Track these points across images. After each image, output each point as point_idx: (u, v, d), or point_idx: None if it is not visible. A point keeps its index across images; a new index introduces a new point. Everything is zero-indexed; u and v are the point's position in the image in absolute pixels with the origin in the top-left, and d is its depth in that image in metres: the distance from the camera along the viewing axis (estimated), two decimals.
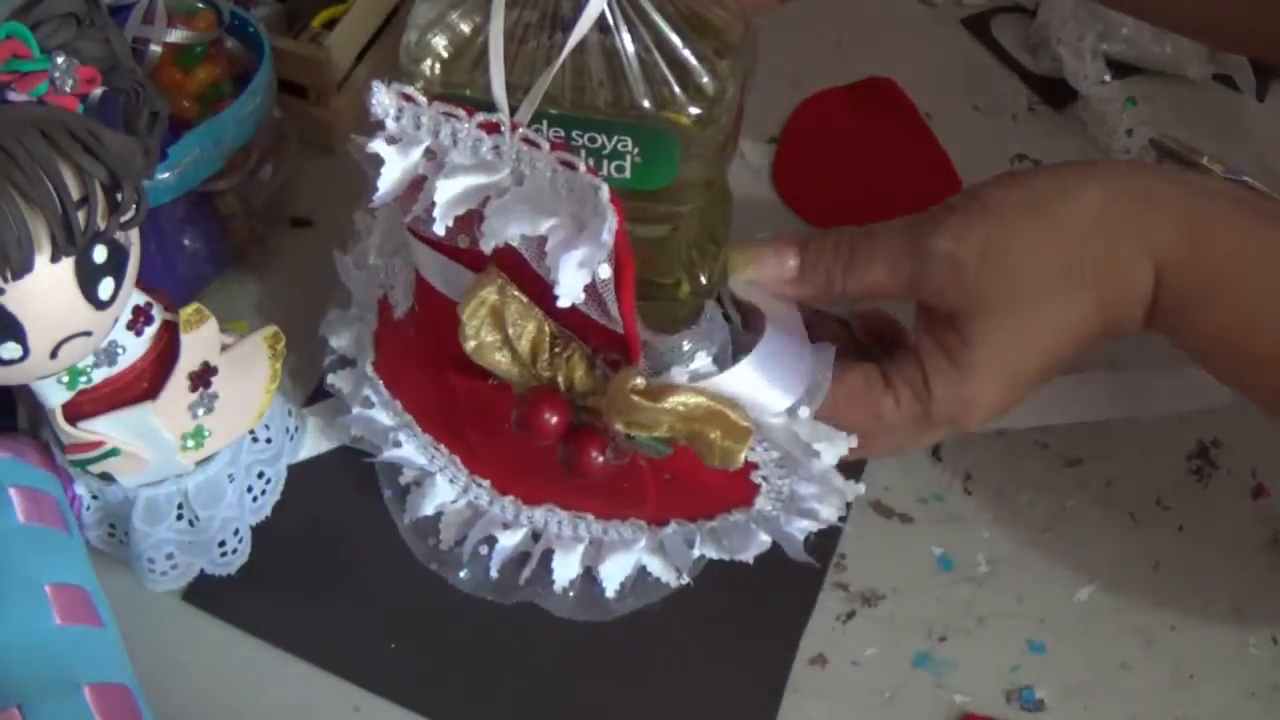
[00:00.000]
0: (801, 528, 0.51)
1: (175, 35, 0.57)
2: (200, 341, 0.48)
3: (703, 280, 0.50)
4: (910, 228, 0.48)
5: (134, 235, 0.44)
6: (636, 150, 0.44)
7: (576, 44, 0.41)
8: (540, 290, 0.42)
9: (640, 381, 0.42)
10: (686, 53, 0.43)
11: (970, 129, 0.75)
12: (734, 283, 0.50)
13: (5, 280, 0.40)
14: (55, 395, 0.47)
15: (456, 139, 0.42)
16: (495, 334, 0.44)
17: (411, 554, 0.57)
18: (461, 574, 0.56)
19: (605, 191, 0.39)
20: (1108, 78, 0.75)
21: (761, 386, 0.45)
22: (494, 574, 0.55)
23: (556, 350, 0.44)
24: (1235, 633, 0.56)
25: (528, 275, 0.42)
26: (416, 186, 0.43)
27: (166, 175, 0.55)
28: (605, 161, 0.45)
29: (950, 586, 0.57)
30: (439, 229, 0.42)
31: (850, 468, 0.58)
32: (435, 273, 0.48)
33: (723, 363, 0.45)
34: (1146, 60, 0.77)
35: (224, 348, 0.50)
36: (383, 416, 0.55)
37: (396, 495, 0.57)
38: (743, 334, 0.48)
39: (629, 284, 0.41)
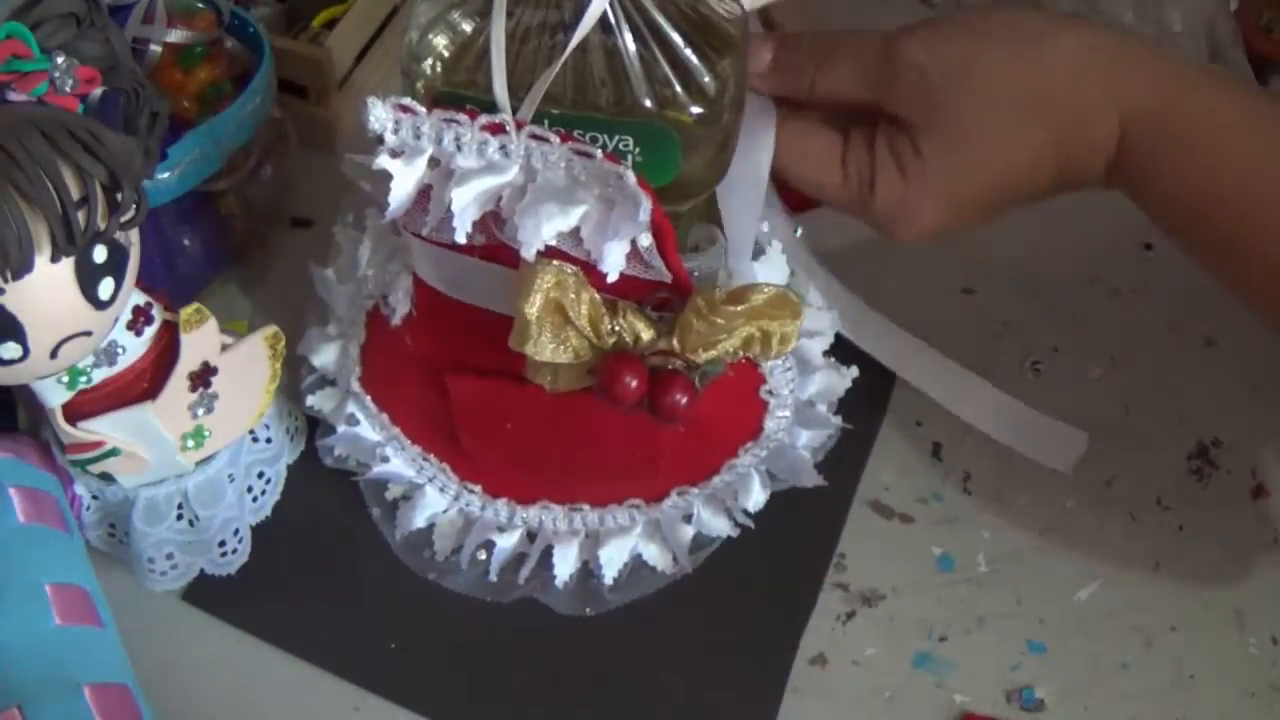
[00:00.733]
0: (809, 444, 0.53)
1: (175, 35, 0.57)
2: (200, 341, 0.48)
3: None
4: (887, 36, 0.49)
5: (134, 235, 0.44)
6: (638, 150, 0.44)
7: (578, 44, 0.41)
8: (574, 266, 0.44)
9: (720, 292, 0.44)
10: (688, 52, 0.43)
11: None
12: None
13: (5, 280, 0.40)
14: (55, 395, 0.47)
15: (461, 144, 0.42)
16: (557, 317, 0.44)
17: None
18: (460, 579, 0.55)
19: (631, 176, 0.40)
20: None
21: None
22: (493, 577, 0.55)
23: (610, 315, 0.45)
24: (1235, 633, 0.56)
25: (553, 254, 0.43)
26: (423, 196, 0.43)
27: (166, 175, 0.55)
28: None
29: (950, 586, 0.57)
30: (460, 237, 0.42)
31: (850, 468, 0.58)
32: (438, 275, 0.48)
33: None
34: None
35: (224, 348, 0.49)
36: (369, 432, 0.55)
37: (385, 513, 0.57)
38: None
39: (672, 243, 0.43)
